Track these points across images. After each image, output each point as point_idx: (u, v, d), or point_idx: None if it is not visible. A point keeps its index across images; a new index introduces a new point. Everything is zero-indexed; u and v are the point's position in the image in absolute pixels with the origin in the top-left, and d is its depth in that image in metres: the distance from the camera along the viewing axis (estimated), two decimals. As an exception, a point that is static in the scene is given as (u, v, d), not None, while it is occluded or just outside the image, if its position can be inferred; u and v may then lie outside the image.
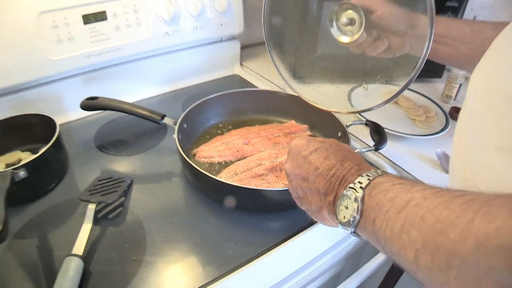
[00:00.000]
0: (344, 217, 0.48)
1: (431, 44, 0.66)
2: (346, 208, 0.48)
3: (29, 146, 0.91)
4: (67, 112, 1.02)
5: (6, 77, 0.91)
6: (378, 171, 0.48)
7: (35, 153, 0.82)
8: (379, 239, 0.43)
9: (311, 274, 0.69)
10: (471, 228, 0.32)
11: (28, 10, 0.89)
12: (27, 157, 0.87)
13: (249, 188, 0.72)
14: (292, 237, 0.72)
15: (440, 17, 0.77)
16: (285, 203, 0.72)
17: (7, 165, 0.84)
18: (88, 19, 0.96)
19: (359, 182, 0.47)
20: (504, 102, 0.43)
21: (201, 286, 0.63)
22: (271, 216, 0.77)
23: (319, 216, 0.56)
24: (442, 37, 0.78)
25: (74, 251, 0.64)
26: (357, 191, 0.46)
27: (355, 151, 0.82)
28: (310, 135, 0.98)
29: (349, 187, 0.47)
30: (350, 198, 0.47)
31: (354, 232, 0.47)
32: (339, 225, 0.49)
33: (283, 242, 0.71)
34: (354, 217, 0.46)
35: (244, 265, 0.66)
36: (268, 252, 0.69)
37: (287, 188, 0.60)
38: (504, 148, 0.43)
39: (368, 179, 0.46)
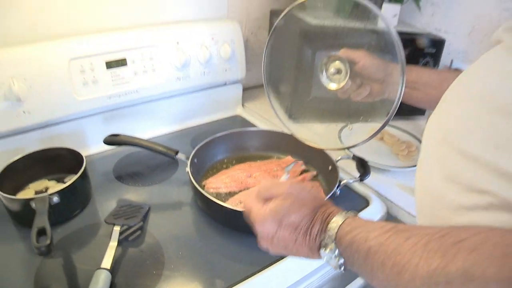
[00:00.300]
0: (334, 266, 0.56)
1: (403, 89, 0.79)
2: (331, 259, 0.56)
3: (55, 175, 1.00)
4: (89, 146, 1.13)
5: (39, 114, 1.02)
6: (338, 221, 0.55)
7: (60, 182, 0.93)
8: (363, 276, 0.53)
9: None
10: (417, 271, 0.42)
11: (61, 57, 1.01)
12: (53, 185, 0.98)
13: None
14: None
15: (413, 66, 0.90)
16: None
17: (36, 192, 0.95)
18: (110, 65, 1.09)
19: (334, 221, 0.56)
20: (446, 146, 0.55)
21: None
22: None
23: (295, 253, 0.62)
24: (414, 83, 0.90)
25: (102, 265, 0.74)
26: (332, 250, 0.55)
27: (343, 181, 0.95)
28: (304, 170, 1.10)
29: (329, 229, 0.56)
30: (331, 253, 0.55)
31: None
32: (323, 255, 0.57)
33: (279, 260, 0.81)
34: (341, 264, 0.54)
35: (246, 279, 0.77)
36: (267, 269, 0.80)
37: None
38: (448, 177, 0.54)
39: (333, 239, 0.55)
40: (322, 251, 0.56)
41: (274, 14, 1.47)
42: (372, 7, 0.79)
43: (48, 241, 0.69)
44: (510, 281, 0.36)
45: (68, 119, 1.10)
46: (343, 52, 0.93)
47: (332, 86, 0.94)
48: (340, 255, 0.54)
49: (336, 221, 0.56)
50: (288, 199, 0.62)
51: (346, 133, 1.20)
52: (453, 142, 0.53)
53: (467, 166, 0.50)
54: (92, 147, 1.14)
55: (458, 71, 0.85)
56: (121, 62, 1.11)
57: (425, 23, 1.48)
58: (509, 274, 0.36)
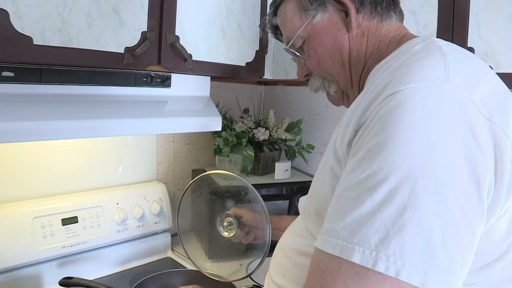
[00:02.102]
0: None
1: (270, 233, 1.15)
2: None
3: None
4: (45, 286, 1.38)
5: (5, 261, 1.27)
6: None
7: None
8: None
9: None
10: None
11: (26, 215, 1.33)
12: None
13: None
14: None
15: (285, 216, 1.26)
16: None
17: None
18: (65, 221, 1.40)
19: None
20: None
21: None
22: None
23: None
24: (282, 227, 1.19)
25: None
26: None
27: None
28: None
29: None
30: None
31: None
32: None
33: None
34: None
35: None
36: None
37: None
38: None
39: None
40: None
41: (195, 172, 1.86)
42: (246, 183, 1.19)
43: None
44: None
45: (29, 264, 1.35)
46: (232, 211, 1.27)
47: (226, 234, 1.27)
48: None
49: None
50: None
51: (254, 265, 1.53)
52: (270, 274, 0.88)
53: (273, 286, 0.84)
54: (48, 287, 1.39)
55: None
56: (74, 220, 1.43)
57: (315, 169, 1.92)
58: None
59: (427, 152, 0.53)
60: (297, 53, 0.91)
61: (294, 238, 0.83)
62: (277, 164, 1.76)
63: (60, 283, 1.29)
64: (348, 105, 0.91)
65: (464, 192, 0.53)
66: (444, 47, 0.67)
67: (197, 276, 1.45)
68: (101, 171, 1.59)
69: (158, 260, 1.69)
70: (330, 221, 0.59)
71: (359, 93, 0.70)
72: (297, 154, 1.91)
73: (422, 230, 0.51)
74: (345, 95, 0.92)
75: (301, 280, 0.74)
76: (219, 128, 1.35)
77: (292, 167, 1.83)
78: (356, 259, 0.52)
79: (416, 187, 0.52)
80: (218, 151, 1.81)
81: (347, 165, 0.62)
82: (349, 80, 0.87)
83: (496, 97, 0.62)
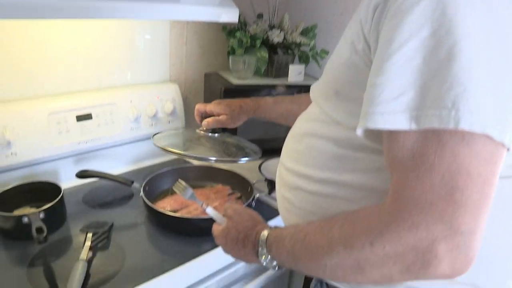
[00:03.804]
0: (270, 267, 0.74)
1: None
2: (267, 263, 0.74)
3: (35, 204, 1.21)
4: (62, 182, 1.35)
5: (23, 156, 1.29)
6: (265, 235, 0.75)
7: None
8: (289, 260, 0.70)
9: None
10: (318, 248, 0.62)
11: (42, 112, 1.31)
12: (34, 211, 1.22)
13: (184, 217, 1.19)
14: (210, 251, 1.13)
15: (282, 98, 1.24)
16: (207, 229, 0.96)
17: (21, 216, 1.23)
18: (80, 118, 1.40)
19: (263, 235, 0.75)
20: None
21: (158, 274, 1.02)
22: (203, 239, 1.18)
23: (247, 259, 0.82)
24: (286, 115, 1.18)
25: (80, 258, 1.01)
26: (266, 256, 0.74)
27: (257, 195, 1.29)
28: (231, 193, 1.42)
29: (260, 242, 0.75)
30: (266, 258, 0.74)
31: (274, 265, 0.74)
32: (262, 261, 0.75)
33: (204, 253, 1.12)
34: (275, 266, 0.73)
35: (179, 265, 1.06)
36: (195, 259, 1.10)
37: (206, 217, 0.94)
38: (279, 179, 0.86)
39: (265, 248, 0.74)
40: (260, 258, 0.75)
41: (207, 77, 1.83)
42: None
43: (44, 233, 0.99)
44: (345, 235, 0.59)
45: (46, 160, 1.38)
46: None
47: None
48: (273, 259, 0.73)
49: (264, 235, 0.75)
50: (231, 220, 0.85)
51: (265, 166, 1.54)
52: (282, 161, 0.87)
53: (285, 172, 0.83)
54: (64, 182, 1.38)
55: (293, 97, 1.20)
56: (88, 116, 1.42)
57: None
58: (344, 234, 0.59)
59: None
60: None
61: (307, 124, 0.81)
62: (291, 66, 1.73)
63: (77, 175, 1.32)
64: None
65: None
66: None
67: (210, 171, 1.49)
68: (115, 70, 1.56)
69: (170, 160, 1.71)
70: (391, 95, 0.52)
71: None
72: (310, 59, 1.86)
73: None
74: None
75: (314, 162, 0.74)
76: (235, 19, 1.28)
77: (305, 73, 1.79)
78: (464, 124, 0.48)
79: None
80: (232, 52, 1.77)
81: (381, 35, 0.56)
82: None
83: None
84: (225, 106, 1.22)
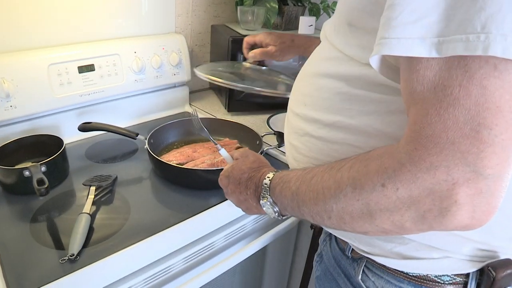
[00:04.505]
0: (272, 213, 0.70)
1: None
2: (268, 208, 0.70)
3: (36, 159, 1.18)
4: (64, 136, 1.31)
5: (23, 109, 1.25)
6: (270, 176, 0.71)
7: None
8: (293, 203, 0.64)
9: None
10: (325, 189, 0.57)
11: (42, 62, 1.26)
12: (35, 164, 1.19)
13: (190, 169, 1.15)
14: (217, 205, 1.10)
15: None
16: (214, 182, 0.93)
17: (23, 169, 1.19)
18: (81, 69, 1.34)
19: (267, 177, 0.71)
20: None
21: (164, 228, 1.00)
22: (210, 192, 1.15)
23: (247, 205, 0.78)
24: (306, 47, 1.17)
25: (84, 211, 0.99)
26: (268, 199, 0.69)
27: (265, 149, 1.25)
28: (239, 147, 1.38)
29: (264, 183, 0.70)
30: (267, 202, 0.69)
31: (277, 212, 0.70)
32: (263, 205, 0.71)
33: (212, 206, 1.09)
34: (276, 211, 0.69)
35: (185, 219, 1.04)
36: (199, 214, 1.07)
37: (213, 169, 0.94)
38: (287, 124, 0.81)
39: (268, 191, 0.69)
40: (261, 201, 0.70)
41: (214, 28, 1.76)
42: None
43: (46, 185, 0.96)
44: (354, 176, 0.54)
45: (47, 114, 1.34)
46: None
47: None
48: (275, 203, 0.68)
49: (269, 177, 0.70)
50: (236, 161, 0.81)
51: (273, 121, 1.51)
52: (290, 106, 0.82)
53: (293, 118, 0.78)
54: (66, 137, 1.34)
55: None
56: (90, 68, 1.37)
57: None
58: (354, 175, 0.54)
59: None
60: None
61: (316, 64, 0.75)
62: (301, 18, 1.66)
63: (79, 128, 1.28)
64: None
65: None
66: None
67: (217, 124, 1.45)
68: (118, 21, 1.48)
69: (177, 114, 1.68)
70: (410, 17, 0.46)
71: None
72: (322, 12, 1.78)
73: None
74: None
75: (323, 104, 0.70)
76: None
77: (315, 27, 1.72)
78: (495, 49, 0.41)
79: None
80: (240, 2, 1.69)
81: None
82: None
83: None
84: (275, 37, 1.18)
